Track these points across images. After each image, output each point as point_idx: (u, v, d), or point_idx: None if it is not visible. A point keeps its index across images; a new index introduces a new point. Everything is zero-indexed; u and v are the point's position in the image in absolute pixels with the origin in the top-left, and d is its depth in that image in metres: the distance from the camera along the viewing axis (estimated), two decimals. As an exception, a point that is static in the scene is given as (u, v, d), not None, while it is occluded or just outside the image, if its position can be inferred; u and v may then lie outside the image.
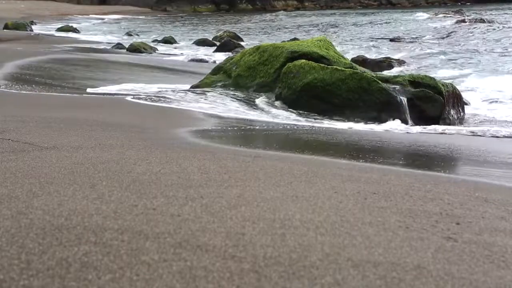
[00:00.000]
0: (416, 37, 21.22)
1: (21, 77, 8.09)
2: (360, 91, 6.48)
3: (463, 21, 26.43)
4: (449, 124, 6.59)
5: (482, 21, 25.46)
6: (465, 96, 7.73)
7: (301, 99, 6.72)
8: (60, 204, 2.19)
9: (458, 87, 7.49)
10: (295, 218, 2.17)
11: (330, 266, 1.74)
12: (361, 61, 13.53)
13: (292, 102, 6.80)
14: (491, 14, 34.03)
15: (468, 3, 56.97)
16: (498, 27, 22.64)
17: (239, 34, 22.96)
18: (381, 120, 6.33)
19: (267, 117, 6.38)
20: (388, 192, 2.70)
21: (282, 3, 64.37)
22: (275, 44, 8.05)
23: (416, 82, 6.67)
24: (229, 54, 14.96)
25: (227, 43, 17.82)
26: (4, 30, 22.51)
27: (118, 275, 1.61)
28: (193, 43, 20.29)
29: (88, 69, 10.13)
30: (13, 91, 6.78)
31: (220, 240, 1.90)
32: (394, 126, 6.16)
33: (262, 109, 6.84)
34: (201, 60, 13.97)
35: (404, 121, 6.33)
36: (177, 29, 31.18)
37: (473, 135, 5.84)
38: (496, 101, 8.35)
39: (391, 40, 20.37)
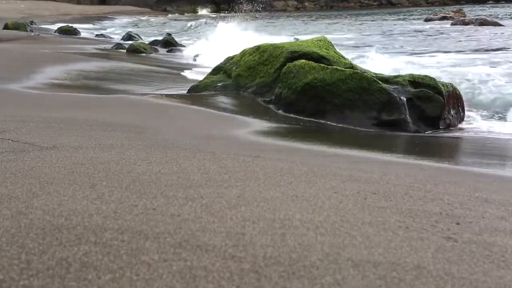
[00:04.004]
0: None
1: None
2: (360, 91, 6.47)
3: (464, 22, 26.18)
4: (449, 125, 6.59)
5: (484, 22, 25.09)
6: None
7: (301, 99, 6.72)
8: (60, 204, 2.19)
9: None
10: (295, 218, 2.17)
11: (330, 266, 1.74)
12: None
13: (292, 102, 6.79)
14: (492, 15, 33.89)
15: (467, 3, 56.87)
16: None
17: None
18: (381, 120, 6.33)
19: (267, 117, 6.38)
20: (388, 192, 2.71)
21: (282, 3, 64.39)
22: (275, 44, 8.04)
23: (416, 82, 6.67)
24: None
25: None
26: (4, 30, 22.48)
27: (118, 275, 1.61)
28: (192, 43, 20.28)
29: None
30: (14, 90, 6.78)
31: (220, 240, 1.90)
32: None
33: (263, 109, 6.84)
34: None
35: (404, 122, 6.33)
36: (177, 29, 31.16)
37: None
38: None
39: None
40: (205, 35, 20.08)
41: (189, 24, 34.38)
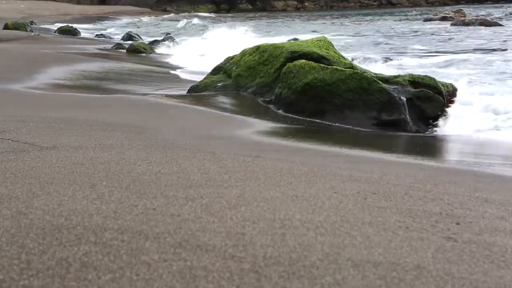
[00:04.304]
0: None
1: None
2: (360, 91, 6.47)
3: (464, 22, 26.07)
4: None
5: (484, 23, 24.93)
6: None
7: (301, 99, 6.72)
8: (60, 204, 2.19)
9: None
10: (295, 218, 2.17)
11: (330, 266, 1.74)
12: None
13: (292, 102, 6.80)
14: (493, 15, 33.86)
15: (467, 3, 56.79)
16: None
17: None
18: (381, 120, 6.32)
19: (267, 117, 6.38)
20: (388, 192, 2.71)
21: (282, 3, 64.40)
22: (275, 44, 8.04)
23: (416, 82, 6.66)
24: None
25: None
26: (4, 30, 22.47)
27: (118, 275, 1.61)
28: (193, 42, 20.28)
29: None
30: (14, 90, 6.78)
31: (220, 240, 1.90)
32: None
33: (263, 109, 6.84)
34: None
35: (404, 122, 6.32)
36: (176, 29, 31.14)
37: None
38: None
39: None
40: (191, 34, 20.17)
41: (179, 25, 34.14)
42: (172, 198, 2.36)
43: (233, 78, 7.84)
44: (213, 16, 51.18)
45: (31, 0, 54.07)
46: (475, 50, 15.50)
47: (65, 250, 1.75)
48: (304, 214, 2.23)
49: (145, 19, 44.44)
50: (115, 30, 30.44)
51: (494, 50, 15.32)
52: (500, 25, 24.59)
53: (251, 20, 41.16)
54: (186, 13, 54.46)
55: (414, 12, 44.95)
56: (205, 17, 46.61)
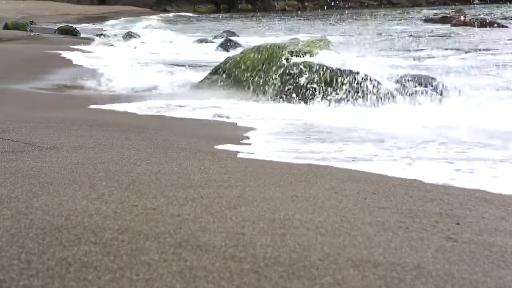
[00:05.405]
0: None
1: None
2: (360, 91, 6.49)
3: (464, 23, 25.84)
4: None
5: (485, 23, 24.59)
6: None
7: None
8: (60, 204, 2.19)
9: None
10: (295, 218, 2.17)
11: (330, 266, 1.74)
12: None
13: (293, 101, 6.81)
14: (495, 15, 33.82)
15: (467, 3, 56.68)
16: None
17: (236, 33, 23.00)
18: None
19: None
20: (388, 192, 2.71)
21: (282, 3, 64.41)
22: (276, 44, 8.05)
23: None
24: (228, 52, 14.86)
25: (227, 42, 17.81)
26: (4, 30, 22.42)
27: (118, 275, 1.61)
28: (193, 42, 20.29)
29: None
30: (14, 90, 6.77)
31: (220, 240, 1.90)
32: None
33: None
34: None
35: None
36: (177, 29, 31.09)
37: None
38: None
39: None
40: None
41: (144, 24, 32.74)
42: (172, 198, 2.36)
43: (233, 78, 7.85)
44: (196, 16, 50.52)
45: (31, 0, 54.02)
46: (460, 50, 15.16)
47: (65, 250, 1.75)
48: (304, 214, 2.23)
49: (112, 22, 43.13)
50: (115, 30, 30.40)
51: (478, 50, 14.71)
52: (503, 26, 24.24)
53: (245, 19, 41.00)
54: (178, 13, 54.16)
55: (415, 12, 44.91)
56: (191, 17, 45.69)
